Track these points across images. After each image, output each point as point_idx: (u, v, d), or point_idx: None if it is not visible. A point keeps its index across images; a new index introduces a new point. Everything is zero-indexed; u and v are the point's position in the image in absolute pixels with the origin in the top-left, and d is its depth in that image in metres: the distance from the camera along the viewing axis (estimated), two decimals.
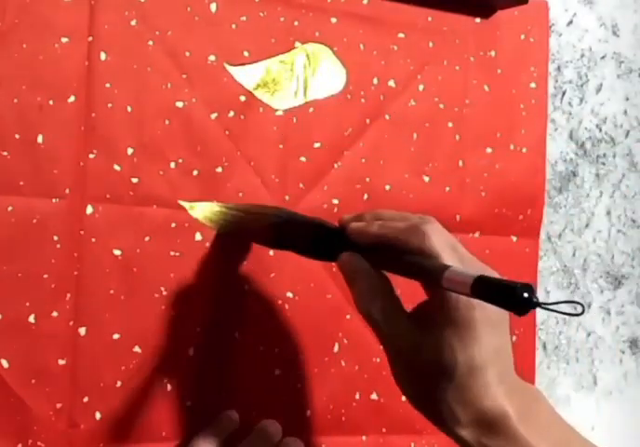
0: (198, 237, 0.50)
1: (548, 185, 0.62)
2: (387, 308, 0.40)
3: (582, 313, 0.35)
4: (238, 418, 0.50)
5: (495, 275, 0.38)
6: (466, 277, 0.35)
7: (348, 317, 0.54)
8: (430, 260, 0.39)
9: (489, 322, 0.39)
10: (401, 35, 0.55)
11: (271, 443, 0.49)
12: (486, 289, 0.34)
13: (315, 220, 0.46)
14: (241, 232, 0.50)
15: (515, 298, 0.33)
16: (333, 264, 0.53)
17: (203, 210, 0.49)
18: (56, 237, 0.46)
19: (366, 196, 0.54)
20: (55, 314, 0.46)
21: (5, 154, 0.45)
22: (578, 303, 0.34)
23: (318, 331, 0.53)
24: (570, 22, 0.64)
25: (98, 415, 0.47)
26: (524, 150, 0.59)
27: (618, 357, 0.66)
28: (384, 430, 0.54)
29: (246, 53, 0.51)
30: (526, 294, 0.32)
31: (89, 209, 0.47)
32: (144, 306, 0.48)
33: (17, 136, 0.45)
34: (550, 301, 0.63)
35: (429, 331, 0.39)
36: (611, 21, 0.65)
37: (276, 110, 0.52)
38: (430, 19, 0.56)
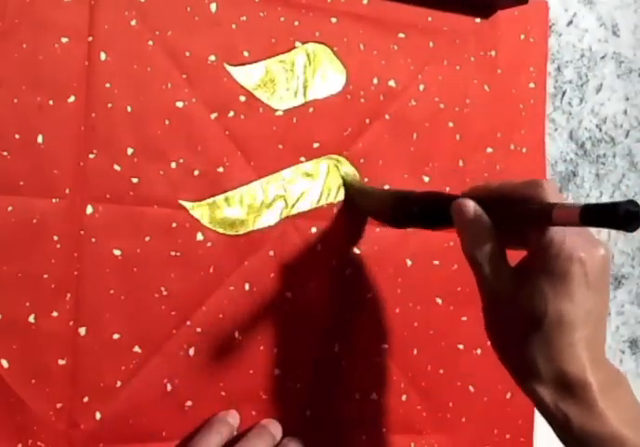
0: (199, 236, 0.50)
1: None
2: (491, 254, 0.41)
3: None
4: (238, 417, 0.50)
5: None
6: (574, 207, 0.36)
7: (348, 317, 0.54)
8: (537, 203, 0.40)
9: (586, 281, 0.39)
10: (401, 35, 0.55)
11: (271, 443, 0.49)
12: (594, 213, 0.35)
13: (431, 191, 0.48)
14: (365, 204, 0.53)
15: (621, 214, 0.34)
16: (334, 263, 0.54)
17: (347, 171, 0.53)
18: (56, 237, 0.46)
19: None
20: (55, 314, 0.46)
21: (5, 154, 0.45)
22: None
23: (318, 331, 0.53)
24: (570, 22, 0.64)
25: (98, 415, 0.47)
26: (524, 150, 0.59)
27: (618, 357, 0.66)
28: (384, 430, 0.54)
29: (246, 53, 0.51)
30: (631, 208, 0.34)
31: (89, 209, 0.47)
32: (144, 306, 0.48)
33: (17, 136, 0.45)
34: None
35: (527, 279, 0.40)
36: (611, 21, 0.65)
37: (276, 110, 0.52)
38: (430, 19, 0.56)
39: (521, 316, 0.40)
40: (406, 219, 0.48)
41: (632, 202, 0.34)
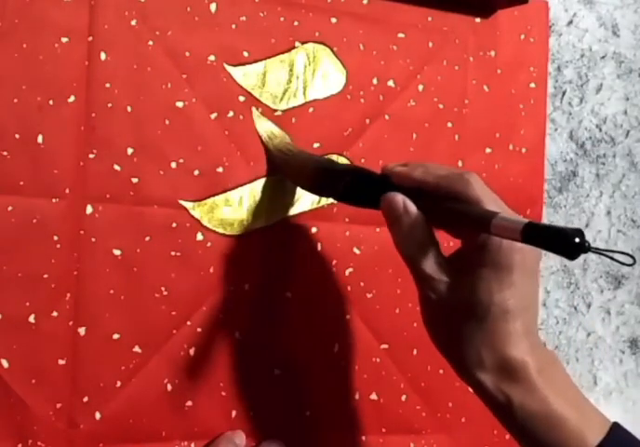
0: (199, 236, 0.50)
1: (548, 185, 0.62)
2: (426, 248, 0.41)
3: (634, 264, 0.36)
4: (244, 438, 0.50)
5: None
6: (516, 222, 0.36)
7: (348, 317, 0.54)
8: (473, 206, 0.40)
9: (527, 270, 0.40)
10: (401, 35, 0.55)
11: None
12: (538, 234, 0.35)
13: (357, 167, 0.46)
14: (287, 169, 0.50)
15: (568, 243, 0.33)
16: (334, 263, 0.54)
17: (270, 133, 0.51)
18: (56, 237, 0.46)
19: None
20: (55, 314, 0.46)
21: (5, 154, 0.45)
22: (627, 254, 0.35)
23: (318, 331, 0.53)
24: (570, 22, 0.64)
25: (98, 415, 0.47)
26: (523, 150, 0.59)
27: (618, 357, 0.66)
28: (384, 430, 0.54)
29: (245, 53, 0.51)
30: (577, 239, 0.33)
31: (89, 209, 0.47)
32: (144, 306, 0.48)
33: (17, 136, 0.45)
34: (550, 299, 0.63)
35: (467, 271, 0.40)
36: (611, 21, 0.65)
37: (276, 110, 0.52)
38: (430, 19, 0.56)
39: (462, 308, 0.40)
40: (328, 192, 0.47)
41: (579, 231, 0.34)
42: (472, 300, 0.39)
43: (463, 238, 0.42)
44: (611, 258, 0.36)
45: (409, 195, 0.42)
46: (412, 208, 0.41)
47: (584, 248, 0.33)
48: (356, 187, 0.45)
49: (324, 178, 0.47)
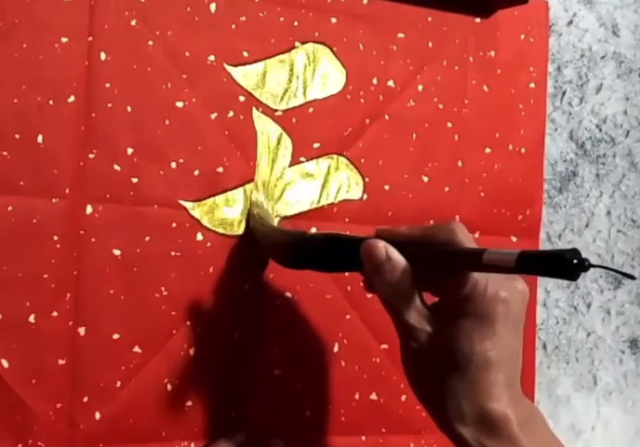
0: (199, 237, 0.50)
1: (548, 185, 0.62)
2: (409, 297, 0.40)
3: (634, 278, 0.36)
4: (244, 438, 0.50)
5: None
6: (508, 254, 0.35)
7: (348, 317, 0.54)
8: (463, 246, 0.40)
9: (510, 320, 0.39)
10: (401, 35, 0.55)
11: None
12: (533, 261, 0.34)
13: (331, 235, 0.45)
14: (264, 239, 0.50)
15: (566, 265, 0.33)
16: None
17: (256, 200, 0.50)
18: (56, 237, 0.46)
19: (365, 196, 0.54)
20: (55, 314, 0.46)
21: (5, 154, 0.45)
22: (627, 274, 0.35)
23: (318, 331, 0.53)
24: (570, 22, 0.64)
25: (97, 415, 0.47)
26: (523, 150, 0.59)
27: (618, 357, 0.66)
28: (384, 430, 0.54)
29: (245, 53, 0.51)
30: (575, 260, 0.33)
31: (89, 209, 0.47)
32: (144, 306, 0.48)
33: (17, 136, 0.45)
34: (550, 299, 0.63)
35: (449, 321, 0.39)
36: (611, 21, 0.65)
37: (276, 110, 0.52)
38: (430, 19, 0.56)
39: (444, 359, 0.39)
40: (303, 262, 0.46)
41: (575, 251, 0.33)
42: (454, 350, 0.39)
43: (447, 288, 0.41)
44: (614, 270, 0.35)
45: (394, 246, 0.41)
46: (395, 254, 0.40)
47: (584, 267, 0.33)
48: (331, 252, 0.44)
49: (297, 249, 0.46)
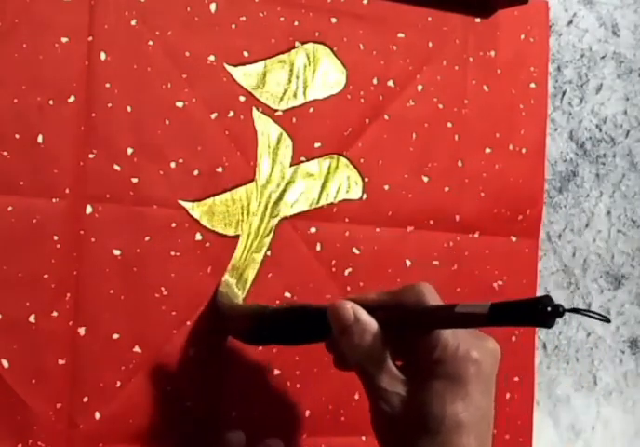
0: (198, 237, 0.50)
1: (548, 185, 0.62)
2: (379, 358, 0.40)
3: (609, 321, 0.35)
4: (244, 438, 0.49)
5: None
6: (480, 305, 0.35)
7: None
8: (432, 305, 0.39)
9: (482, 381, 0.39)
10: (401, 35, 0.55)
11: None
12: (506, 311, 0.34)
13: (295, 305, 0.45)
14: (229, 319, 0.49)
15: (540, 313, 0.33)
16: (334, 263, 0.53)
17: (226, 281, 0.49)
18: (56, 237, 0.46)
19: (365, 196, 0.54)
20: (55, 314, 0.46)
21: (5, 154, 0.45)
22: (602, 315, 0.34)
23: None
24: (570, 22, 0.64)
25: (97, 415, 0.47)
26: (523, 150, 0.59)
27: (618, 357, 0.66)
28: None
29: (245, 53, 0.51)
30: (549, 308, 0.33)
31: (89, 209, 0.47)
32: (144, 306, 0.48)
33: (17, 136, 0.45)
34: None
35: (420, 383, 0.39)
36: (611, 21, 0.65)
37: (276, 110, 0.52)
38: (430, 19, 0.56)
39: (416, 421, 0.39)
40: (268, 337, 0.46)
41: (547, 298, 0.33)
42: (425, 413, 0.38)
43: (417, 350, 0.40)
44: (590, 316, 0.34)
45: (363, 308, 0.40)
46: (364, 316, 0.40)
47: (559, 313, 0.33)
48: (301, 325, 0.43)
49: (264, 324, 0.45)
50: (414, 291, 0.40)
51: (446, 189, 0.56)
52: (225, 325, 0.49)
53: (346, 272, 0.53)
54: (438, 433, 0.38)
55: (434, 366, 0.39)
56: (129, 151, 0.48)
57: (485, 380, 0.39)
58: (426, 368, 0.39)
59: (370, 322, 0.40)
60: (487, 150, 0.58)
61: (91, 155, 0.47)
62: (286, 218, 0.52)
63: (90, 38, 0.47)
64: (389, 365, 0.40)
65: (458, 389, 0.38)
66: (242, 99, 0.51)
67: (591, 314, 0.34)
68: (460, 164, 0.57)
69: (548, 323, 0.33)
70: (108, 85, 0.47)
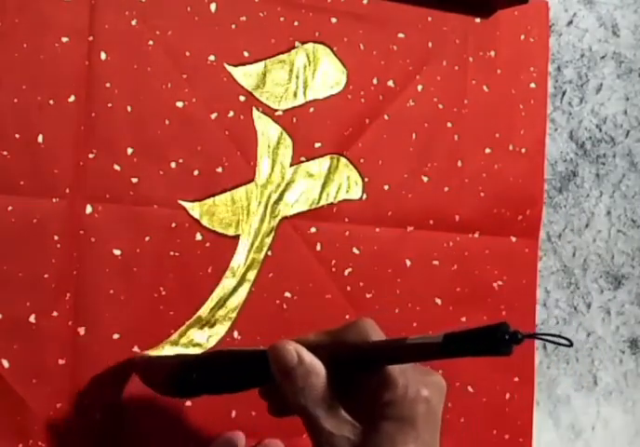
0: (198, 237, 0.50)
1: (548, 185, 0.62)
2: (325, 401, 0.38)
3: (571, 345, 0.34)
4: (244, 438, 0.49)
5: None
6: (431, 338, 0.34)
7: (348, 317, 0.54)
8: (380, 340, 0.38)
9: (431, 419, 0.38)
10: (401, 35, 0.55)
11: None
12: (461, 341, 0.33)
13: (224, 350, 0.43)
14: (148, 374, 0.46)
15: (497, 341, 0.32)
16: (334, 263, 0.53)
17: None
18: (56, 237, 0.46)
19: (365, 196, 0.54)
20: (55, 314, 0.46)
21: (5, 154, 0.45)
22: (564, 338, 0.33)
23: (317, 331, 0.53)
24: (570, 22, 0.64)
25: (97, 415, 0.47)
26: (523, 150, 0.59)
27: (618, 357, 0.66)
28: None
29: (246, 53, 0.51)
30: (507, 335, 0.32)
31: (89, 209, 0.47)
32: (144, 306, 0.48)
33: (17, 136, 0.45)
34: (550, 299, 0.63)
35: (369, 425, 0.38)
36: (611, 21, 0.65)
37: (276, 110, 0.52)
38: (430, 19, 0.56)
39: None
40: (197, 387, 0.43)
41: (503, 325, 0.32)
42: None
43: (367, 391, 0.39)
44: (551, 341, 0.33)
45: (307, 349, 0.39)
46: (308, 357, 0.38)
47: (517, 339, 0.32)
48: (234, 371, 0.42)
49: (183, 376, 0.43)
50: (357, 328, 0.39)
51: (446, 189, 0.56)
52: (143, 379, 0.47)
53: (346, 272, 0.53)
54: None
55: (384, 408, 0.37)
56: (129, 151, 0.48)
57: (434, 418, 0.38)
58: (375, 410, 0.38)
59: (315, 363, 0.38)
60: (487, 150, 0.58)
61: (91, 155, 0.47)
62: (286, 218, 0.52)
63: (91, 38, 0.47)
64: (335, 408, 0.38)
65: (409, 430, 0.37)
66: (242, 99, 0.51)
67: (550, 339, 0.33)
68: (459, 164, 0.57)
69: (506, 351, 0.32)
70: (108, 85, 0.47)
